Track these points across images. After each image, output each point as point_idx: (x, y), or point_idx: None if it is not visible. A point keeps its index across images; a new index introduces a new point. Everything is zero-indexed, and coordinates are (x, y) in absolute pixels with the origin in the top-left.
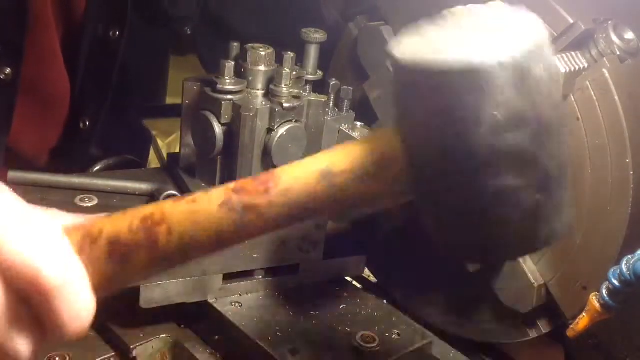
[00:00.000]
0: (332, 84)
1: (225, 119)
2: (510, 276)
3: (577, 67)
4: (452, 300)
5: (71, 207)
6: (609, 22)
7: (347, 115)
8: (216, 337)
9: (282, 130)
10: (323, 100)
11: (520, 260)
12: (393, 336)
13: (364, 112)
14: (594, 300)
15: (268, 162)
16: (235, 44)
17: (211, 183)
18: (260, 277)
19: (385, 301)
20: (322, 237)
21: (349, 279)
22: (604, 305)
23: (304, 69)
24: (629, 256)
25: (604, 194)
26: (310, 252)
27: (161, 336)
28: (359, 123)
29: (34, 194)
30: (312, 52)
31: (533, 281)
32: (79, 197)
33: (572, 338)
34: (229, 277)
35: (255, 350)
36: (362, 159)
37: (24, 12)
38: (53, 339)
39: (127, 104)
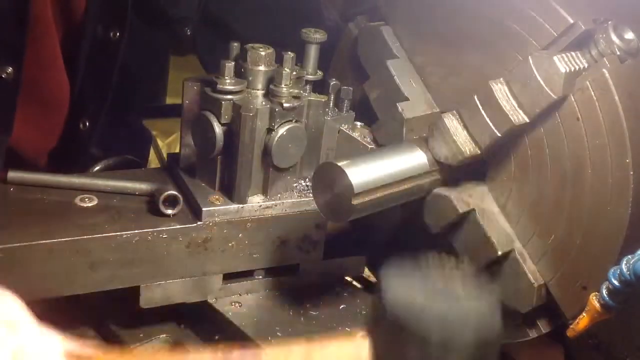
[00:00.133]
0: (332, 84)
1: (225, 119)
2: (510, 276)
3: (577, 67)
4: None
5: (71, 207)
6: (609, 22)
7: (347, 115)
8: (216, 337)
9: (282, 130)
10: (323, 100)
11: (520, 260)
12: None
13: (364, 112)
14: (594, 300)
15: (268, 162)
16: (235, 44)
17: (211, 183)
18: (260, 277)
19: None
20: (322, 237)
21: (349, 279)
22: (604, 305)
23: (304, 69)
24: (629, 256)
25: (604, 194)
26: (310, 252)
27: (161, 336)
28: (359, 123)
29: (34, 194)
30: (312, 52)
31: (533, 281)
32: (79, 197)
33: (572, 338)
34: (229, 277)
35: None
36: None
37: (24, 13)
38: None
39: (127, 104)
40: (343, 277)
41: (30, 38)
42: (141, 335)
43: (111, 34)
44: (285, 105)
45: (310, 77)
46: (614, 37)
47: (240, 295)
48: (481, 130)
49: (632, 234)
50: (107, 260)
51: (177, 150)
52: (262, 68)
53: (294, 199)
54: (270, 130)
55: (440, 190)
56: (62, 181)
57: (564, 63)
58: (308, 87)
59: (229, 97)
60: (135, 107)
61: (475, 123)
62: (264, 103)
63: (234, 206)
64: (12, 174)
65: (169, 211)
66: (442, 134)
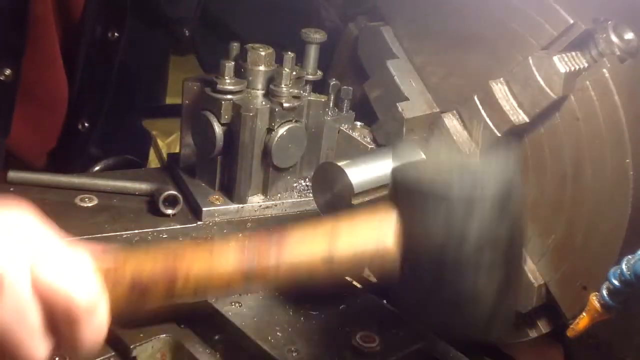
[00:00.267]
0: (332, 84)
1: (225, 119)
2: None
3: (577, 67)
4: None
5: (71, 207)
6: (609, 22)
7: (347, 115)
8: (216, 337)
9: (282, 130)
10: (323, 100)
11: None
12: (393, 336)
13: (364, 112)
14: (594, 300)
15: (268, 162)
16: (235, 44)
17: (211, 183)
18: None
19: (385, 301)
20: None
21: (349, 279)
22: (604, 305)
23: (304, 69)
24: (629, 256)
25: (604, 194)
26: None
27: (161, 336)
28: (359, 123)
29: (34, 194)
30: (312, 52)
31: (533, 281)
32: (79, 197)
33: (572, 338)
34: None
35: (255, 350)
36: (362, 250)
37: (24, 13)
38: (69, 350)
39: (126, 105)
40: (343, 277)
41: (30, 39)
42: (141, 335)
43: (110, 35)
44: (285, 105)
45: (310, 77)
46: (613, 37)
47: (240, 295)
48: (481, 130)
49: (632, 234)
50: None
51: (177, 150)
52: (262, 68)
53: (294, 199)
54: (270, 130)
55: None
56: (62, 181)
57: (564, 63)
58: (308, 87)
59: (229, 97)
60: (135, 107)
61: (476, 123)
62: (264, 103)
63: (234, 206)
64: (12, 174)
65: (169, 211)
66: (442, 134)
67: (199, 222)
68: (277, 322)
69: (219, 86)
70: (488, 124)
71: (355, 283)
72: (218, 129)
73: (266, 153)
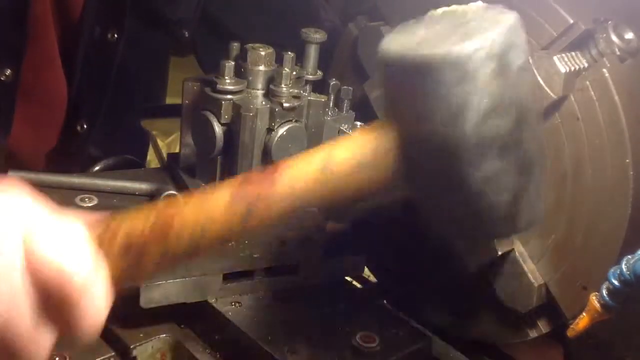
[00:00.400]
0: (332, 84)
1: (225, 119)
2: (510, 276)
3: (577, 67)
4: (452, 300)
5: (71, 207)
6: (609, 22)
7: (347, 115)
8: (216, 337)
9: (282, 130)
10: (323, 100)
11: (520, 260)
12: (393, 336)
13: (364, 112)
14: (594, 300)
15: (268, 162)
16: (235, 44)
17: (211, 183)
18: (260, 277)
19: (385, 301)
20: (322, 237)
21: (349, 279)
22: (604, 305)
23: (304, 69)
24: (629, 256)
25: (604, 194)
26: (310, 252)
27: (161, 336)
28: (359, 123)
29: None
30: (312, 52)
31: (533, 281)
32: (79, 197)
33: (572, 338)
34: (229, 277)
35: (255, 350)
36: (360, 149)
37: (24, 13)
38: (72, 332)
39: (125, 105)
40: (343, 277)
41: (29, 39)
42: (141, 335)
43: (109, 36)
44: (285, 105)
45: (310, 77)
46: (614, 37)
47: (240, 295)
48: None
49: (632, 234)
50: None
51: (177, 150)
52: (262, 68)
53: None
54: (270, 130)
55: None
56: (62, 181)
57: (564, 63)
58: (308, 87)
59: (229, 97)
60: (134, 108)
61: None
62: (264, 103)
63: None
64: (12, 174)
65: None
66: None
67: None
68: (277, 322)
69: (219, 86)
70: None
71: (355, 283)
72: (218, 129)
73: (266, 153)
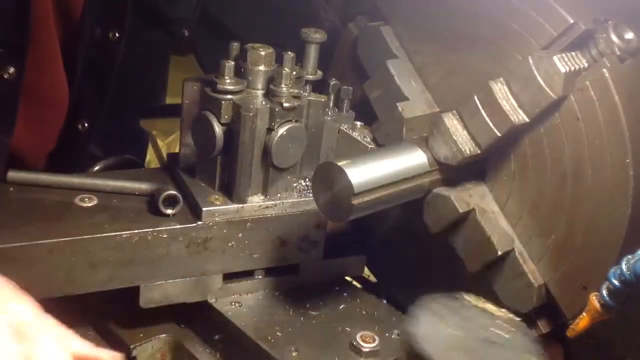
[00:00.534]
0: (332, 84)
1: (225, 118)
2: (510, 276)
3: (577, 67)
4: None
5: (71, 207)
6: (609, 22)
7: (347, 115)
8: (216, 337)
9: (282, 130)
10: (323, 100)
11: (520, 260)
12: (393, 336)
13: (364, 112)
14: (594, 300)
15: (268, 161)
16: (235, 44)
17: (211, 183)
18: (260, 277)
19: (385, 301)
20: (322, 237)
21: (349, 279)
22: (604, 305)
23: (304, 69)
24: (629, 256)
25: (604, 194)
26: (310, 252)
27: (161, 336)
28: (359, 123)
29: (34, 194)
30: (312, 52)
31: (533, 281)
32: (79, 197)
33: (572, 338)
34: (229, 277)
35: (255, 350)
36: None
37: (26, 13)
38: None
39: (125, 105)
40: (343, 277)
41: (32, 39)
42: (141, 335)
43: (110, 35)
44: (285, 105)
45: (310, 77)
46: (614, 37)
47: (240, 295)
48: (481, 130)
49: (632, 234)
50: (107, 260)
51: (177, 150)
52: (262, 68)
53: (294, 199)
54: (270, 130)
55: (440, 190)
56: (62, 181)
57: (564, 63)
58: (308, 87)
59: (229, 97)
60: (134, 107)
61: (475, 123)
62: (264, 103)
63: (234, 206)
64: (12, 174)
65: (169, 211)
66: (442, 133)
67: (198, 222)
68: (277, 322)
69: (219, 86)
70: (488, 124)
71: (355, 283)
72: (218, 129)
73: (266, 153)
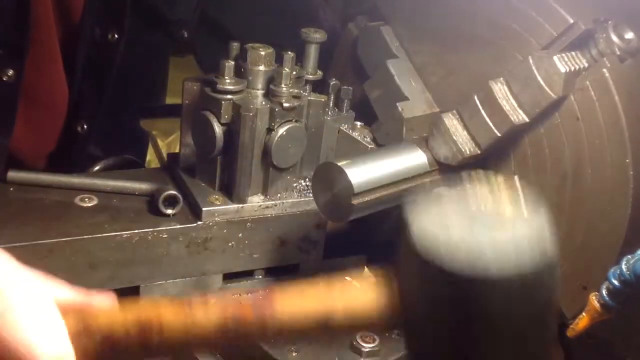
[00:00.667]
0: (332, 84)
1: (225, 118)
2: None
3: (577, 67)
4: None
5: (71, 207)
6: (609, 22)
7: (347, 115)
8: None
9: (282, 130)
10: (323, 100)
11: None
12: (393, 336)
13: (364, 112)
14: (594, 300)
15: (268, 161)
16: (235, 44)
17: (211, 183)
18: (260, 277)
19: None
20: (322, 237)
21: (349, 279)
22: (604, 305)
23: (304, 69)
24: (629, 256)
25: (604, 194)
26: (310, 252)
27: None
28: (359, 123)
29: (34, 194)
30: (312, 52)
31: None
32: (79, 197)
33: (572, 338)
34: (229, 277)
35: (255, 351)
36: (361, 316)
37: (25, 14)
38: None
39: (125, 106)
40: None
41: (31, 40)
42: None
43: (109, 37)
44: (285, 105)
45: (310, 77)
46: (614, 37)
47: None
48: (481, 130)
49: (632, 234)
50: (107, 260)
51: (177, 150)
52: (262, 68)
53: (294, 199)
54: (270, 130)
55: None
56: (62, 181)
57: (564, 63)
58: (308, 87)
59: (229, 97)
60: (134, 108)
61: (475, 123)
62: (263, 103)
63: (234, 206)
64: (12, 174)
65: (169, 211)
66: (442, 133)
67: (198, 222)
68: None
69: (219, 86)
70: (488, 124)
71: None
72: (218, 129)
73: (266, 153)
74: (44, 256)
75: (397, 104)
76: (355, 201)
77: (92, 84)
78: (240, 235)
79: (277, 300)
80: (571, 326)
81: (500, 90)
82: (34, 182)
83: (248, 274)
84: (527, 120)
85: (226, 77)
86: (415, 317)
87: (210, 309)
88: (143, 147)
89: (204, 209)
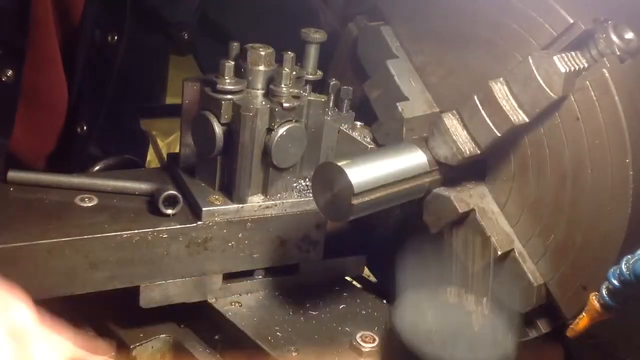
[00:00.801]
0: (332, 84)
1: (225, 119)
2: (510, 276)
3: (577, 67)
4: None
5: (71, 207)
6: (609, 22)
7: (347, 115)
8: (216, 337)
9: (282, 130)
10: (323, 100)
11: (520, 260)
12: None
13: (364, 112)
14: (594, 300)
15: (268, 161)
16: (235, 44)
17: (211, 183)
18: (260, 277)
19: (385, 301)
20: (322, 237)
21: (349, 279)
22: (604, 305)
23: (304, 69)
24: (629, 256)
25: (604, 194)
26: (310, 252)
27: (161, 336)
28: (358, 123)
29: (34, 194)
30: (312, 52)
31: (533, 281)
32: (79, 197)
33: (572, 338)
34: (229, 277)
35: (255, 350)
36: None
37: (25, 15)
38: None
39: (125, 107)
40: (343, 277)
41: (30, 41)
42: (141, 335)
43: (109, 38)
44: (285, 105)
45: (310, 77)
46: (613, 37)
47: (240, 295)
48: (481, 130)
49: (632, 234)
50: (107, 260)
51: (177, 150)
52: (262, 68)
53: (293, 199)
54: (270, 130)
55: (440, 190)
56: (62, 181)
57: (564, 63)
58: (308, 87)
59: (229, 97)
60: (134, 108)
61: (475, 123)
62: (263, 103)
63: (234, 206)
64: (12, 174)
65: (169, 211)
66: (442, 133)
67: (198, 222)
68: (277, 322)
69: (219, 86)
70: (488, 124)
71: (355, 283)
72: (218, 129)
73: (266, 153)
74: (44, 256)
75: (397, 104)
76: (355, 201)
77: (92, 85)
78: (240, 235)
79: None
80: (571, 326)
81: (500, 90)
82: (34, 182)
83: (248, 273)
84: (527, 120)
85: (226, 77)
86: None
87: None
88: (143, 147)
89: (204, 209)
